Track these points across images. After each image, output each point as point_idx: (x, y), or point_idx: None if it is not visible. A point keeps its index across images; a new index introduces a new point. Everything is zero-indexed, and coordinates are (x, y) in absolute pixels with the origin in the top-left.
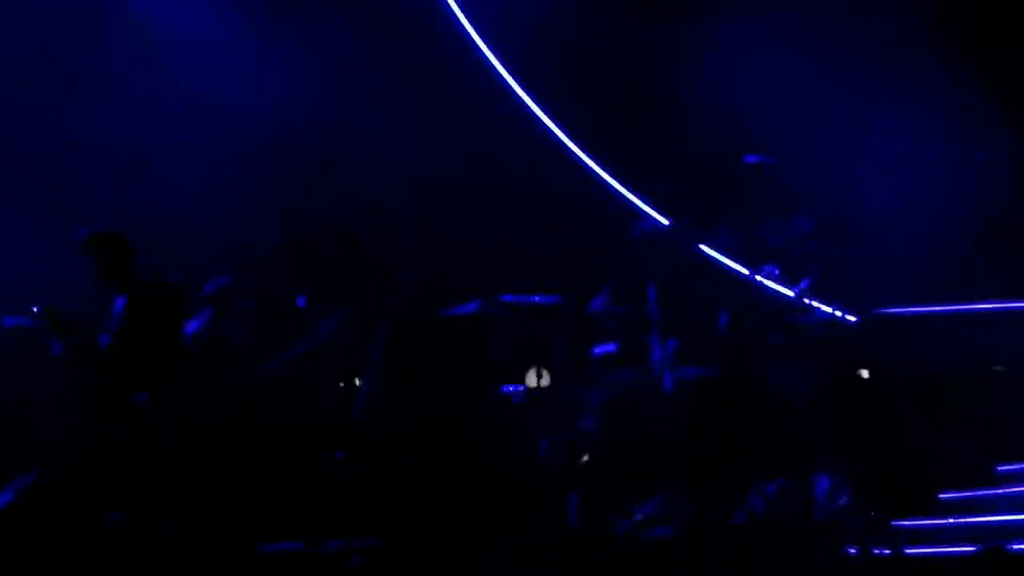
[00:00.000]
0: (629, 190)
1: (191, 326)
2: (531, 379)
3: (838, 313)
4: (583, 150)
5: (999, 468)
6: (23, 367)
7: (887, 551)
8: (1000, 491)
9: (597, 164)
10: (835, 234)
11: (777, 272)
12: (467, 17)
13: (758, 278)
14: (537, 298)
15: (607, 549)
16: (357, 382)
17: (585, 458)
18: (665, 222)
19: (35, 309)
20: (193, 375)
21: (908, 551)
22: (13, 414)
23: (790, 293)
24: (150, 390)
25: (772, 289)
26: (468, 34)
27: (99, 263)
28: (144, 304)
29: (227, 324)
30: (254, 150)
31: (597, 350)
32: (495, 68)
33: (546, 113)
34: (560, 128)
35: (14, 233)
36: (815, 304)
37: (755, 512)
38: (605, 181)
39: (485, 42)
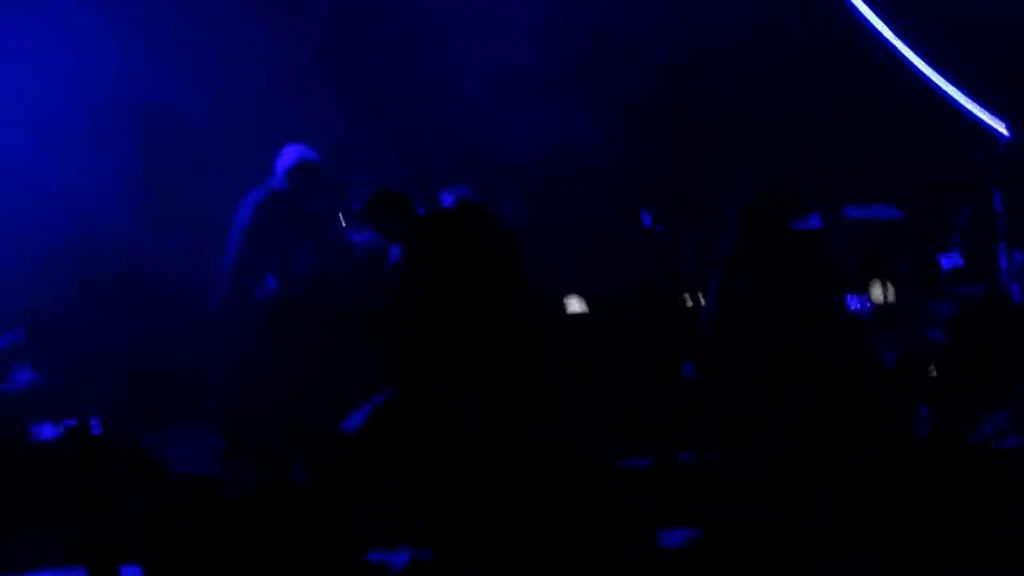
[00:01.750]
0: (972, 100)
1: None
2: (876, 292)
3: None
4: (925, 62)
5: None
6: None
7: None
8: None
9: (939, 75)
10: None
11: None
12: None
13: None
14: (882, 211)
15: (957, 460)
16: (701, 298)
17: (933, 370)
18: (1007, 132)
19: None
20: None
21: None
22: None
23: None
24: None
25: None
26: None
27: (382, 226)
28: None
29: None
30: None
31: (945, 262)
32: None
33: (885, 23)
34: (901, 39)
35: None
36: None
37: None
38: (947, 93)
39: None
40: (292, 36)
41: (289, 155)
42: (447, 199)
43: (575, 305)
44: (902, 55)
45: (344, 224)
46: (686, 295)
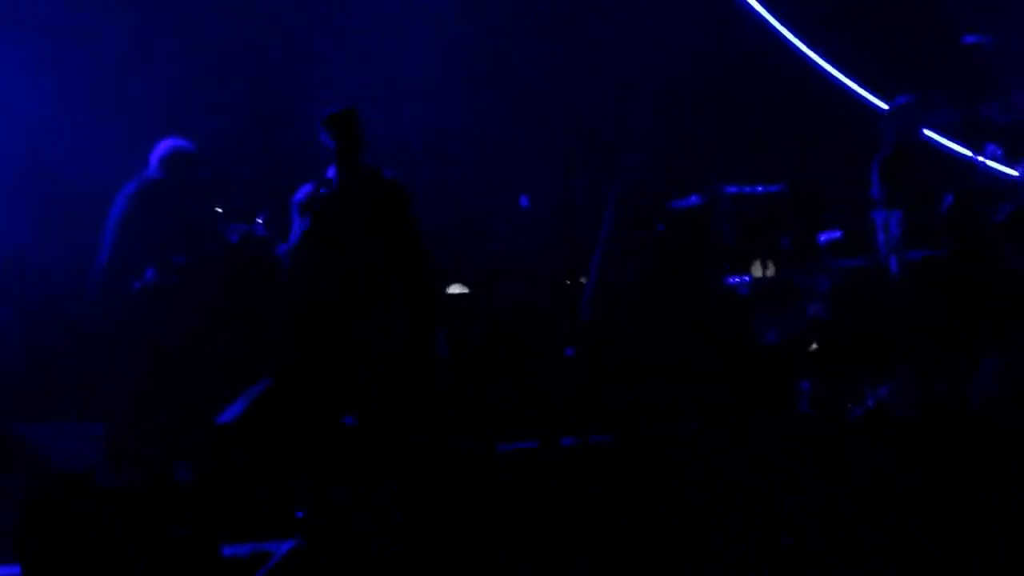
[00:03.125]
0: (846, 75)
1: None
2: (756, 269)
3: None
4: (799, 37)
5: None
6: (252, 277)
7: None
8: None
9: (814, 52)
10: None
11: (1000, 152)
12: None
13: (981, 158)
14: (760, 188)
15: (840, 434)
16: (582, 279)
17: (814, 345)
18: (884, 106)
19: (261, 218)
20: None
21: None
22: (244, 323)
23: (1014, 172)
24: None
25: (995, 169)
26: None
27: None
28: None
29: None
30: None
31: (823, 237)
32: None
33: (763, 4)
34: (776, 18)
35: None
36: None
37: (987, 390)
38: (823, 69)
39: None
40: (181, 38)
41: (163, 146)
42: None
43: (455, 287)
44: (780, 33)
45: (220, 215)
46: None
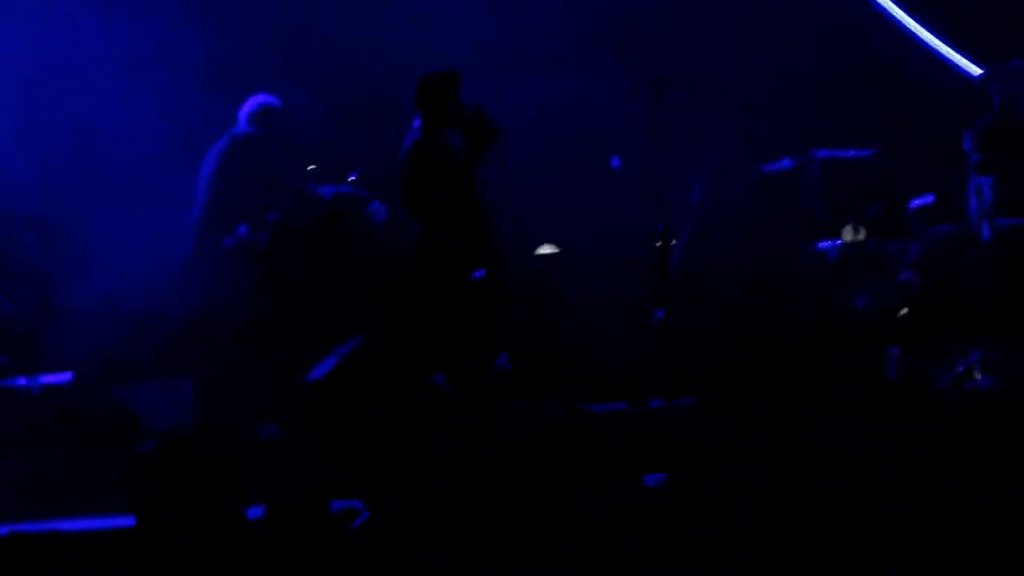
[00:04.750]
0: (940, 39)
1: None
2: (847, 234)
3: None
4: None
5: None
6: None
7: None
8: None
9: (907, 15)
10: None
11: None
12: None
13: None
14: (852, 152)
15: (928, 401)
16: (673, 241)
17: (904, 311)
18: (977, 71)
19: (353, 177)
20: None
21: None
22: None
23: None
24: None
25: None
26: None
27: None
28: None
29: None
30: None
31: (914, 203)
32: None
33: None
34: None
35: None
36: None
37: None
38: (916, 33)
39: None
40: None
41: (252, 102)
42: None
43: (545, 247)
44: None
45: (313, 173)
46: (658, 240)
